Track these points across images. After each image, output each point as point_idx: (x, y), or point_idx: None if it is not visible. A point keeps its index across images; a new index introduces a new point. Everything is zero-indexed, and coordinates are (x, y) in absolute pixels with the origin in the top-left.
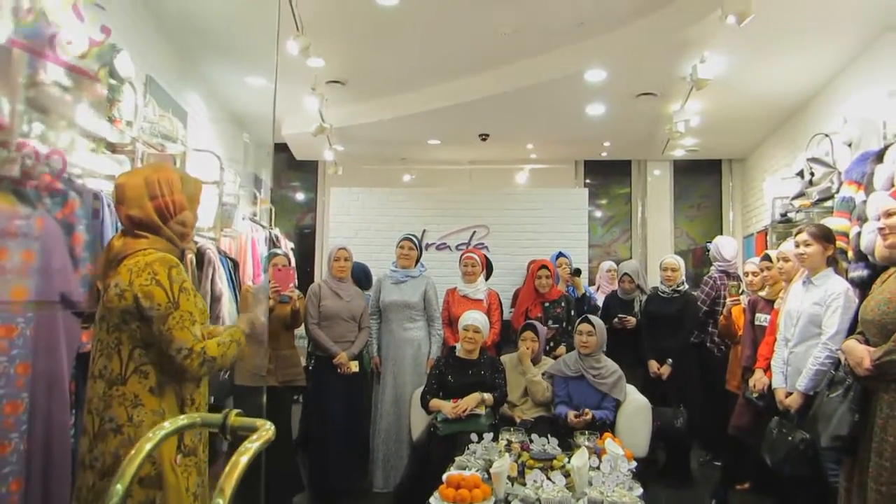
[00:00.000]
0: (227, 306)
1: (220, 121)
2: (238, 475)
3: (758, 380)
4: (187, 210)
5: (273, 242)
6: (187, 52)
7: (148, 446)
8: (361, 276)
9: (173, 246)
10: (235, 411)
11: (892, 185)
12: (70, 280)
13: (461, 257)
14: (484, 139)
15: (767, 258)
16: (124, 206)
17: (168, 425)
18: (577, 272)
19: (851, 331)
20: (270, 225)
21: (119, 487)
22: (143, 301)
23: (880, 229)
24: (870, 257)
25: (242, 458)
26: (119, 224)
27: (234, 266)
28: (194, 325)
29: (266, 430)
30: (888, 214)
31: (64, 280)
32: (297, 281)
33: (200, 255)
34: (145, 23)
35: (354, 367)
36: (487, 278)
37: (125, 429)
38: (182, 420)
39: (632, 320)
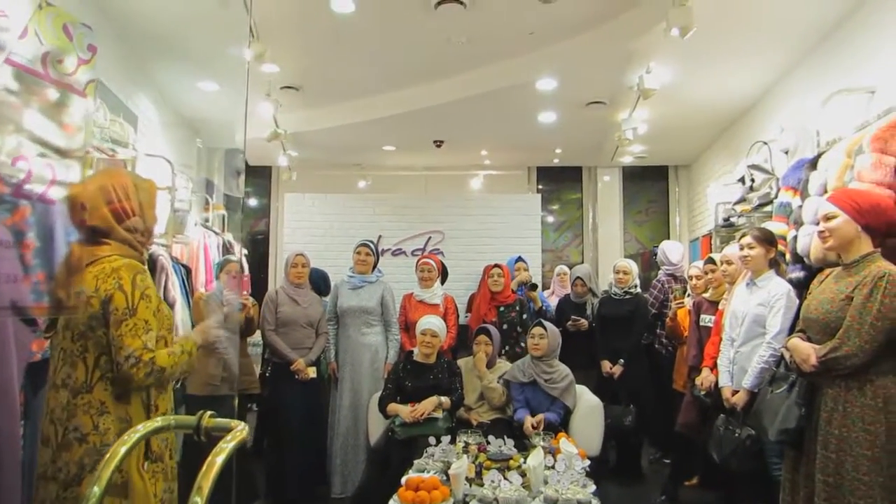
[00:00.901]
0: (181, 313)
1: (173, 126)
2: (215, 474)
3: (705, 378)
4: (145, 214)
5: (226, 248)
6: (138, 56)
7: (123, 449)
8: (320, 283)
9: (135, 251)
10: (209, 413)
11: (826, 191)
12: (20, 288)
13: (417, 263)
14: (439, 146)
15: (711, 261)
16: (81, 214)
17: (142, 428)
18: (534, 287)
19: (792, 330)
20: (223, 230)
21: (96, 490)
22: (107, 306)
23: (820, 232)
24: (805, 259)
25: (218, 457)
26: (70, 231)
27: (186, 273)
28: (147, 334)
29: (240, 431)
30: (827, 218)
31: (13, 288)
32: (250, 288)
33: (153, 261)
34: (95, 26)
35: (312, 373)
36: (443, 283)
37: (91, 437)
38: (157, 422)
39: (584, 322)
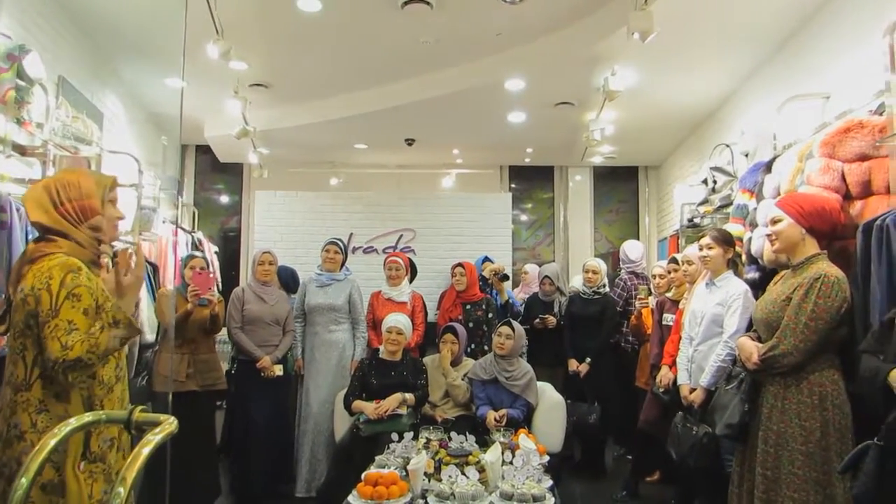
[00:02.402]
0: (146, 311)
1: (139, 122)
2: (140, 465)
3: (663, 376)
4: (101, 213)
5: (196, 246)
6: (102, 52)
7: (52, 442)
8: (290, 280)
9: (84, 249)
10: (140, 407)
11: (779, 194)
12: None
13: (385, 261)
14: (410, 144)
15: (675, 261)
16: (31, 213)
17: (74, 422)
18: (505, 277)
19: (749, 329)
20: (193, 228)
21: (24, 481)
22: (36, 306)
23: (768, 235)
24: (760, 260)
25: (144, 449)
26: (30, 229)
27: (153, 270)
28: (70, 335)
29: (169, 424)
30: (774, 222)
31: None
32: (220, 285)
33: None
34: (58, 22)
35: (278, 370)
36: (412, 281)
37: (27, 435)
38: (87, 417)
39: (552, 319)
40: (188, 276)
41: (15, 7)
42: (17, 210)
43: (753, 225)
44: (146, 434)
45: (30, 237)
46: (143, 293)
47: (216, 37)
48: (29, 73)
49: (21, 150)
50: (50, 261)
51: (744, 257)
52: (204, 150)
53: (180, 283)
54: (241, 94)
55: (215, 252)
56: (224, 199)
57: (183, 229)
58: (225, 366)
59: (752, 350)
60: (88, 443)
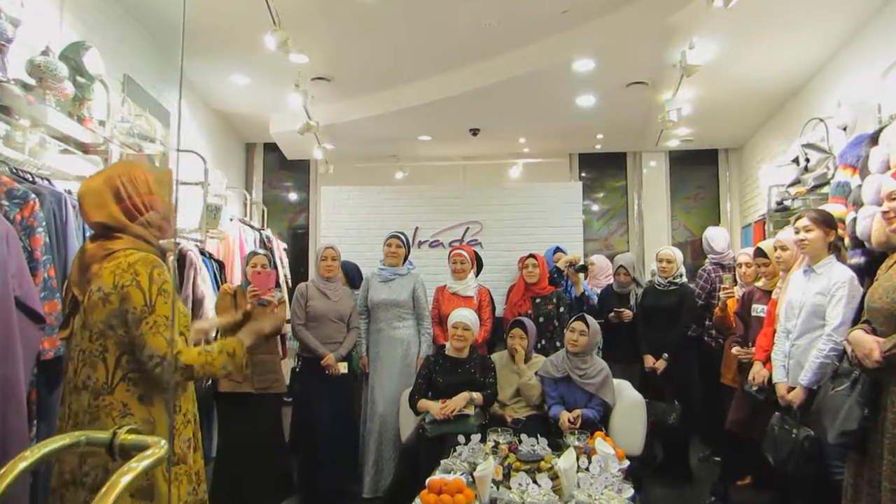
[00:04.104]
0: (210, 309)
1: (206, 120)
2: (115, 496)
3: (757, 372)
4: (158, 207)
5: (265, 244)
6: (168, 50)
7: (22, 465)
8: (356, 275)
9: (148, 245)
10: (127, 428)
11: (888, 168)
12: (26, 283)
13: (450, 254)
14: (475, 134)
15: (762, 254)
16: (90, 211)
17: (49, 444)
18: (582, 269)
19: (856, 321)
20: (263, 226)
21: None
22: (124, 303)
23: (884, 213)
24: (866, 243)
25: (123, 478)
26: (84, 226)
27: (219, 267)
28: (169, 330)
29: (159, 448)
30: (891, 198)
31: (19, 283)
32: (290, 282)
33: (182, 257)
34: (123, 21)
35: (342, 368)
36: (478, 274)
37: None
38: (63, 440)
39: (628, 313)
40: (249, 275)
41: (79, 7)
42: (74, 207)
43: (858, 204)
44: (129, 461)
45: (87, 235)
46: (208, 291)
47: (273, 27)
48: (89, 69)
49: (84, 148)
50: (127, 257)
51: (847, 240)
52: (271, 149)
53: (243, 281)
54: (303, 88)
55: (284, 249)
56: (292, 196)
57: (251, 226)
58: (292, 363)
59: (873, 346)
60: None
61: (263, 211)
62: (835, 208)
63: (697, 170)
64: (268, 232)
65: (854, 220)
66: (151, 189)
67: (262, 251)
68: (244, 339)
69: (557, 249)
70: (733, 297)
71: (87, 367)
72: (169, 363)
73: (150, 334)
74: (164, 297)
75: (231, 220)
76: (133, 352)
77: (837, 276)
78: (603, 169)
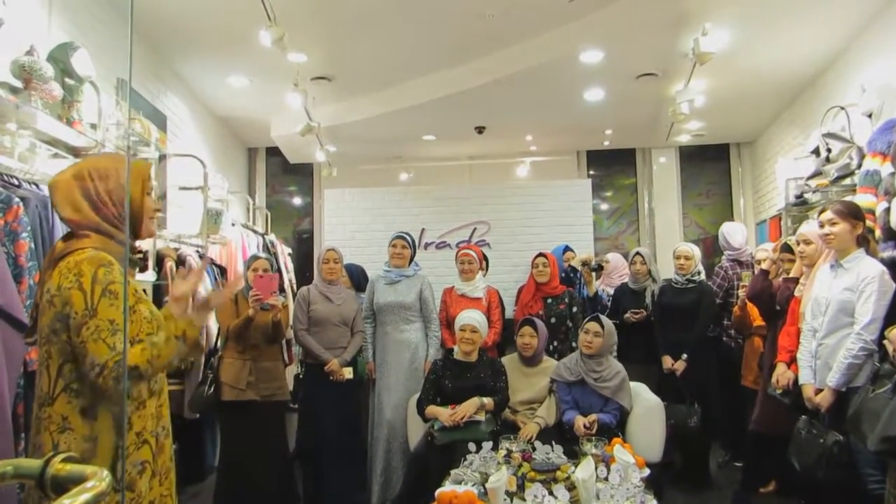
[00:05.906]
0: (211, 315)
1: (206, 124)
2: None
3: (781, 374)
4: (139, 205)
5: (268, 249)
6: (163, 53)
7: None
8: (361, 278)
9: (118, 244)
10: (62, 456)
11: None
12: (8, 291)
13: (457, 254)
14: (480, 132)
15: (788, 249)
16: (59, 206)
17: None
18: (598, 268)
19: (888, 318)
20: (266, 231)
21: None
22: (66, 307)
23: None
24: None
25: None
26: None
27: (220, 272)
28: (114, 336)
29: (100, 481)
30: None
31: (2, 291)
32: (295, 287)
33: (181, 262)
34: (116, 24)
35: (347, 374)
36: (485, 274)
37: None
38: None
39: (643, 313)
40: (251, 279)
41: (69, 9)
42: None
43: (890, 193)
44: (63, 496)
45: None
46: None
47: (268, 23)
48: (77, 70)
49: (75, 152)
50: (77, 256)
51: (878, 232)
52: (274, 153)
53: (244, 286)
54: (303, 88)
55: (289, 254)
56: (296, 200)
57: (255, 231)
58: (296, 369)
59: None
60: (113, 471)
61: (267, 216)
62: (864, 199)
63: (709, 165)
64: (271, 237)
65: (887, 209)
66: (122, 182)
67: (263, 255)
68: (194, 318)
69: (567, 249)
70: None
71: (37, 375)
72: (111, 370)
73: (91, 340)
74: (108, 298)
75: (233, 224)
76: (76, 360)
77: (867, 271)
78: (611, 166)
